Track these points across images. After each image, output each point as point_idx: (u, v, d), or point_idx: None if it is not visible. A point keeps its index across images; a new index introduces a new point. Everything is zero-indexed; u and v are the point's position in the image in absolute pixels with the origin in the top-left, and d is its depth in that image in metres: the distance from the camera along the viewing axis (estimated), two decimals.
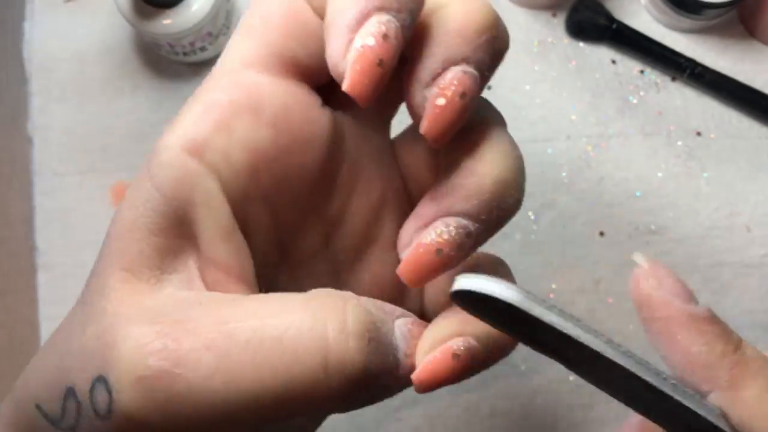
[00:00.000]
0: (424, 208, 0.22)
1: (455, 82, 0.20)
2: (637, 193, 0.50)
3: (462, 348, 0.21)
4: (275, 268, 0.24)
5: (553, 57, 0.51)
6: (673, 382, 0.21)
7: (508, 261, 0.25)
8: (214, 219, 0.21)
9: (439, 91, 0.20)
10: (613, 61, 0.51)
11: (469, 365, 0.21)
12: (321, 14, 0.21)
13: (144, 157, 0.22)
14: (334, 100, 0.23)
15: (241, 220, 0.22)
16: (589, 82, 0.51)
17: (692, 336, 0.22)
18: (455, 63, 0.20)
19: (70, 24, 0.52)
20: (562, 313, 0.21)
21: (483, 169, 0.21)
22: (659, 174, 0.50)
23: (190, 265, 0.21)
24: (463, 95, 0.20)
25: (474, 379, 0.26)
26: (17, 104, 0.51)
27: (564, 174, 0.50)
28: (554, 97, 0.51)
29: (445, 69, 0.20)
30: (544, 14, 0.52)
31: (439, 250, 0.21)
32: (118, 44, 0.51)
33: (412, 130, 0.25)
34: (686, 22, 0.50)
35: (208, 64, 0.51)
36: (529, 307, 0.20)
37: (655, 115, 0.51)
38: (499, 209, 0.21)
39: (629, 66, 0.51)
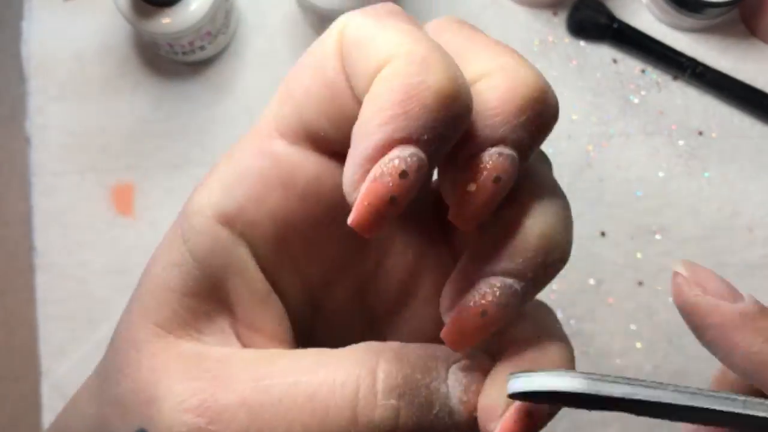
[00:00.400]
0: (467, 268, 0.20)
1: (489, 166, 0.19)
2: (638, 193, 0.49)
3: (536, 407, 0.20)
4: (310, 321, 0.24)
5: (554, 56, 0.51)
6: (743, 399, 0.21)
7: None
8: (248, 287, 0.21)
9: (471, 176, 0.19)
10: (615, 61, 0.51)
11: (544, 419, 0.21)
12: (360, 99, 0.19)
13: (181, 217, 0.22)
14: None
15: (271, 284, 0.22)
16: (590, 81, 0.51)
17: (750, 336, 0.21)
18: (492, 144, 0.19)
19: (69, 23, 0.52)
20: (625, 380, 0.20)
21: (528, 225, 0.20)
22: (660, 174, 0.50)
23: (225, 327, 0.21)
24: (497, 179, 0.19)
25: None
26: (15, 104, 0.51)
27: (565, 174, 0.50)
28: None
29: (480, 151, 0.19)
30: (545, 13, 0.52)
31: (483, 312, 0.19)
32: (117, 44, 0.51)
33: None
34: (688, 21, 0.50)
35: (207, 63, 0.51)
36: (597, 390, 0.20)
37: (656, 115, 0.50)
38: (546, 266, 0.20)
39: (630, 65, 0.51)
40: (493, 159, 0.19)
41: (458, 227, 0.19)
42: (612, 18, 0.51)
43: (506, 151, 0.19)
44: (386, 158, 0.18)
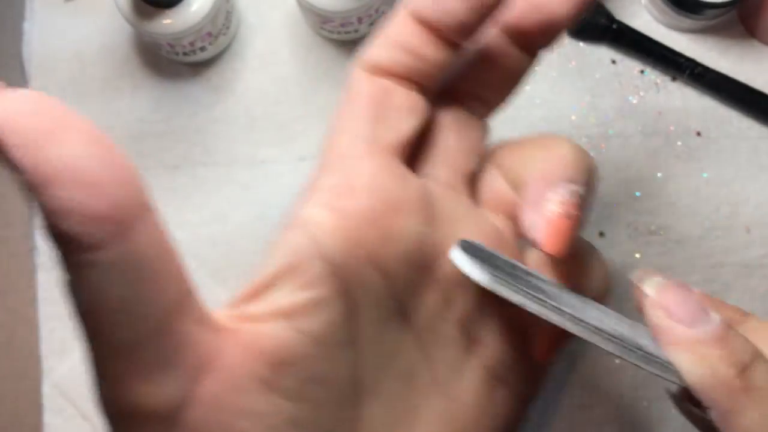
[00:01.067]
0: (532, 192, 0.25)
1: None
2: (637, 194, 0.50)
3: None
4: (398, 332, 0.25)
5: (553, 57, 0.51)
6: (641, 351, 0.23)
7: None
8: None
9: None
10: (613, 61, 0.51)
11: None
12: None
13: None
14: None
15: (353, 282, 0.23)
16: (589, 82, 0.51)
17: (695, 362, 0.23)
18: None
19: (70, 24, 0.52)
20: (532, 288, 0.23)
21: (557, 150, 0.26)
22: (659, 174, 0.50)
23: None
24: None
25: None
26: None
27: None
28: (554, 98, 0.51)
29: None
30: None
31: (567, 213, 0.24)
32: (118, 44, 0.51)
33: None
34: (686, 22, 0.50)
35: (207, 64, 0.51)
36: (497, 290, 0.23)
37: (655, 116, 0.51)
38: (588, 172, 0.26)
39: (629, 66, 0.51)
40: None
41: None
42: (611, 19, 0.51)
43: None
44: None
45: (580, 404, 0.47)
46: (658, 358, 0.23)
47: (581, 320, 0.23)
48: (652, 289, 0.26)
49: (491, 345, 0.27)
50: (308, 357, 0.21)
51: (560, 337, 0.27)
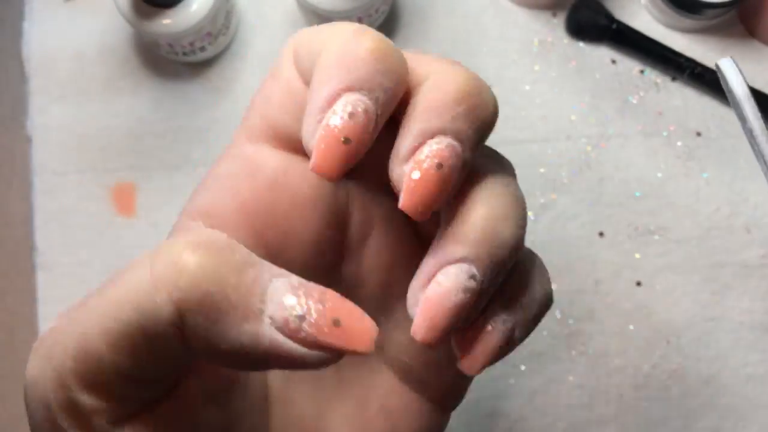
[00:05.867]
0: (425, 266, 0.21)
1: (430, 154, 0.20)
2: (637, 194, 0.50)
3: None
4: None
5: (553, 57, 0.51)
6: None
7: None
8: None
9: (414, 165, 0.20)
10: (613, 61, 0.51)
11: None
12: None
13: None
14: None
15: None
16: (589, 82, 0.51)
17: None
18: (431, 135, 0.20)
19: (70, 24, 0.52)
20: None
21: (473, 212, 0.21)
22: (659, 174, 0.50)
23: None
24: (439, 166, 0.20)
25: (474, 379, 0.25)
26: (16, 104, 0.51)
27: (564, 174, 0.50)
28: (554, 97, 0.51)
29: (422, 143, 0.20)
30: (544, 14, 0.52)
31: (448, 299, 0.20)
32: (118, 44, 0.51)
33: None
34: (686, 22, 0.50)
35: (207, 64, 0.51)
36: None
37: (655, 116, 0.51)
38: (494, 246, 0.21)
39: (629, 66, 0.51)
40: (433, 147, 0.20)
41: (411, 217, 0.20)
42: (611, 19, 0.51)
43: (446, 140, 0.20)
44: (336, 104, 0.20)
45: (580, 404, 0.47)
46: None
47: None
48: None
49: (402, 341, 0.25)
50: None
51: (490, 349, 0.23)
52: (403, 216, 0.23)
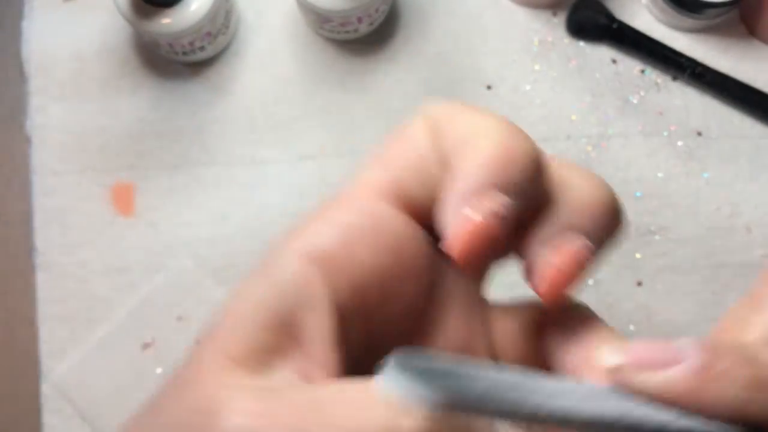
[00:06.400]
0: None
1: (576, 250, 0.22)
2: (638, 194, 0.50)
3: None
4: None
5: (554, 56, 0.51)
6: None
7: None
8: (322, 325, 0.22)
9: (560, 256, 0.22)
10: (614, 61, 0.51)
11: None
12: (448, 164, 0.22)
13: (257, 257, 0.23)
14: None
15: (342, 329, 0.23)
16: (589, 81, 0.51)
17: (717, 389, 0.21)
18: (578, 233, 0.22)
19: (69, 23, 0.52)
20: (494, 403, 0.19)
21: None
22: (660, 174, 0.50)
23: (294, 364, 0.22)
24: (580, 264, 0.22)
25: None
26: (16, 104, 0.51)
27: None
28: (554, 97, 0.50)
29: (566, 236, 0.22)
30: (545, 13, 0.52)
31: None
32: (118, 44, 0.51)
33: (512, 310, 0.26)
34: (687, 21, 0.50)
35: (207, 63, 0.51)
36: (454, 407, 0.19)
37: (655, 115, 0.51)
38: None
39: (630, 66, 0.51)
40: (579, 245, 0.22)
41: (543, 301, 0.22)
42: (611, 18, 0.51)
43: (589, 243, 0.22)
44: (486, 197, 0.21)
45: None
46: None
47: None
48: (616, 357, 0.22)
49: None
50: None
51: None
52: (481, 311, 0.26)
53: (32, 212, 0.49)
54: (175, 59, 0.50)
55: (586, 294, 0.48)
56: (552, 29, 0.52)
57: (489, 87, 0.51)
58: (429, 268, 0.24)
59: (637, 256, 0.49)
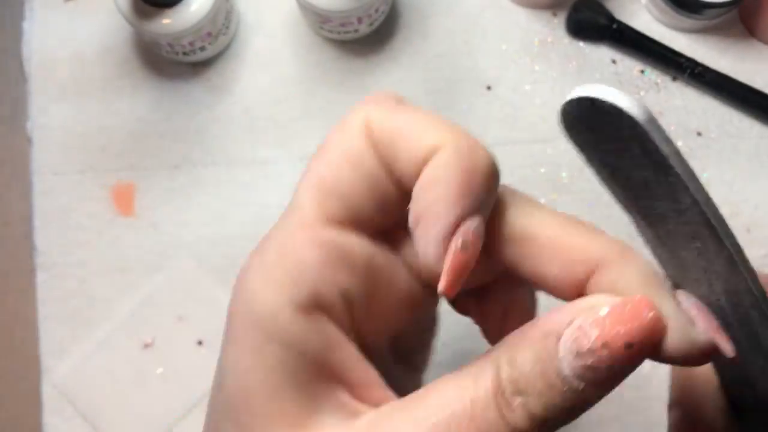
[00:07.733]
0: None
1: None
2: None
3: None
4: None
5: (554, 57, 0.51)
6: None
7: None
8: (350, 354, 0.23)
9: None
10: (614, 61, 0.51)
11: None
12: (404, 184, 0.23)
13: (244, 324, 0.23)
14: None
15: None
16: (589, 81, 0.51)
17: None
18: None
19: (70, 24, 0.52)
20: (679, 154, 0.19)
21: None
22: None
23: (341, 397, 0.23)
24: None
25: None
26: (16, 104, 0.51)
27: (564, 174, 0.50)
28: (554, 97, 0.51)
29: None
30: (545, 14, 0.52)
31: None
32: (118, 44, 0.51)
33: None
34: (687, 21, 0.50)
35: (207, 63, 0.51)
36: (651, 129, 0.19)
37: (655, 116, 0.51)
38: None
39: (630, 66, 0.51)
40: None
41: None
42: (611, 19, 0.51)
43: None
44: (461, 231, 0.22)
45: None
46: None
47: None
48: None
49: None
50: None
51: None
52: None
53: (32, 212, 0.49)
54: (176, 59, 0.50)
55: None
56: (552, 29, 0.52)
57: (489, 87, 0.51)
58: (402, 269, 0.25)
59: None
